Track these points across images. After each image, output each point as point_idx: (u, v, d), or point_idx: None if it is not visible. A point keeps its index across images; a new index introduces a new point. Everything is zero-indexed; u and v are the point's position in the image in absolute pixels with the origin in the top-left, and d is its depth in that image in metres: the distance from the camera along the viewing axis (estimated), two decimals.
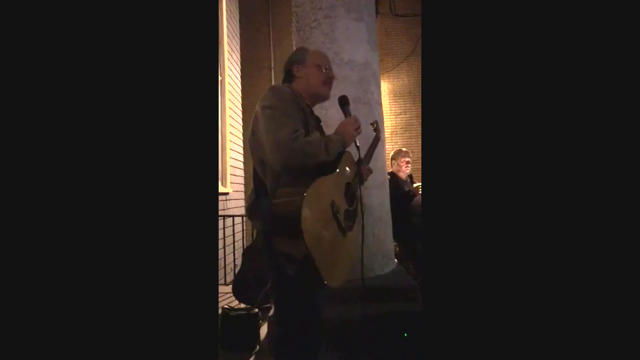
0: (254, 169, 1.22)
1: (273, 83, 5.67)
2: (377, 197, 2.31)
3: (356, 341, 1.85)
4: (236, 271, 3.13)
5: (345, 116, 1.31)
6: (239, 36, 5.57)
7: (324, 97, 1.34)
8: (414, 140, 6.47)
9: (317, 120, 1.32)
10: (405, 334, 1.84)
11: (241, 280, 2.79)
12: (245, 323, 2.24)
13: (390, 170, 3.13)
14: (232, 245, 3.99)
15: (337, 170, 1.17)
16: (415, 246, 2.92)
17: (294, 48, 2.12)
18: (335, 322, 1.76)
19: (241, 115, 5.32)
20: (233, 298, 2.75)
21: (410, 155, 3.35)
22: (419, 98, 6.47)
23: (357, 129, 1.25)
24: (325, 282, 1.06)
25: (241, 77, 5.51)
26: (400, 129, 6.59)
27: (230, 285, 2.88)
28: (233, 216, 4.14)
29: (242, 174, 5.23)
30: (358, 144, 1.27)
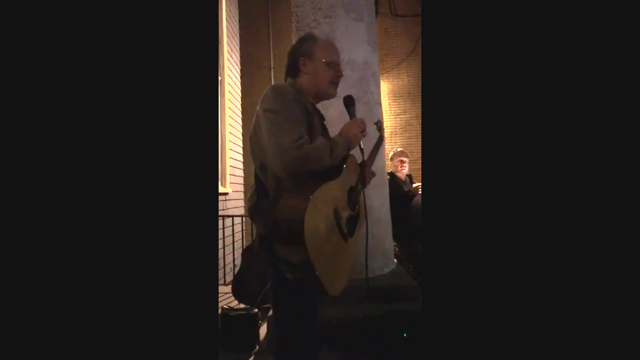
0: (255, 170, 1.19)
1: (273, 83, 5.66)
2: (376, 198, 2.31)
3: (356, 341, 1.84)
4: (236, 271, 3.13)
5: (351, 117, 1.26)
6: (238, 36, 5.57)
7: (329, 97, 1.28)
8: (413, 140, 6.47)
9: (321, 118, 1.28)
10: (405, 334, 1.84)
11: (241, 280, 2.79)
12: (244, 323, 2.24)
13: (389, 171, 3.14)
14: (231, 245, 3.99)
15: (341, 175, 1.14)
16: (414, 246, 2.92)
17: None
18: (335, 322, 1.76)
19: (241, 116, 5.32)
20: (232, 298, 2.75)
21: (407, 155, 3.35)
22: (419, 98, 6.48)
23: (363, 131, 1.21)
24: (327, 289, 1.04)
25: (241, 77, 5.51)
26: (399, 129, 6.59)
27: (230, 286, 2.88)
28: (232, 216, 4.14)
29: (242, 174, 5.23)
30: (362, 146, 1.23)
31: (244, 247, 3.84)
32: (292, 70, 1.25)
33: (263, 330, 2.30)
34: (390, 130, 6.49)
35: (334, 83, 1.25)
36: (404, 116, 6.61)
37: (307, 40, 1.27)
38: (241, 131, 5.24)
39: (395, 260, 2.57)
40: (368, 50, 2.40)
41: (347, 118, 1.27)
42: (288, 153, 1.03)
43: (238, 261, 3.32)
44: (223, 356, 2.07)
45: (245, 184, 5.25)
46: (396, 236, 2.62)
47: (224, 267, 3.84)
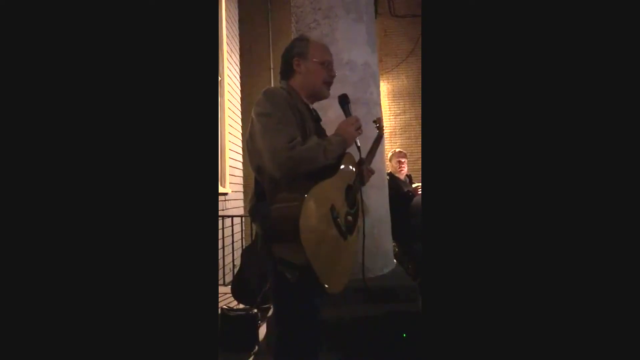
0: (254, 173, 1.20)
1: (272, 84, 5.67)
2: (376, 198, 2.31)
3: (355, 341, 1.85)
4: (235, 271, 3.13)
5: (346, 115, 1.27)
6: (238, 36, 5.57)
7: (323, 97, 1.29)
8: (413, 140, 6.47)
9: (317, 119, 1.29)
10: (404, 334, 1.84)
11: (240, 280, 2.79)
12: (244, 323, 2.24)
13: (389, 171, 3.14)
14: (231, 245, 3.99)
15: (337, 173, 1.15)
16: (414, 246, 2.92)
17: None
18: (334, 323, 1.76)
19: (240, 116, 5.32)
20: (232, 298, 2.75)
21: (405, 155, 3.35)
22: (418, 99, 6.48)
23: (358, 129, 1.22)
24: (327, 288, 1.05)
25: (240, 77, 5.51)
26: (399, 129, 6.60)
27: (229, 286, 2.88)
28: (232, 216, 4.14)
29: (241, 175, 5.23)
30: (359, 144, 1.24)
31: (244, 247, 3.83)
32: (286, 71, 1.27)
33: (262, 331, 2.30)
34: (389, 131, 6.50)
35: (327, 83, 1.27)
36: (403, 116, 6.62)
37: (301, 41, 1.30)
38: (240, 132, 5.23)
39: (395, 260, 2.57)
40: (367, 50, 2.41)
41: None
42: (281, 154, 1.04)
43: (237, 261, 3.32)
44: (222, 356, 2.07)
45: (245, 185, 5.25)
46: (396, 236, 2.63)
47: (224, 267, 3.84)
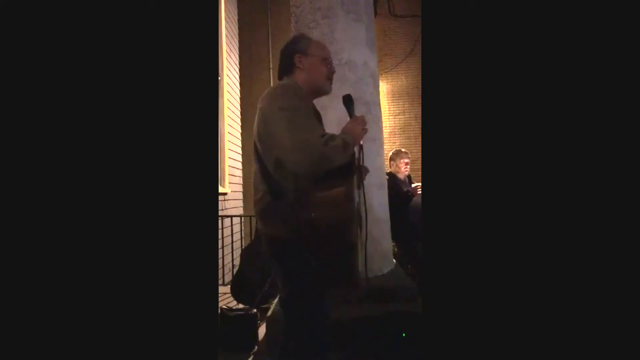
0: (260, 170, 1.17)
1: (272, 84, 5.66)
2: (375, 198, 2.31)
3: (354, 341, 1.84)
4: (234, 272, 3.13)
5: (350, 116, 1.27)
6: (237, 36, 5.56)
7: (325, 92, 1.29)
8: (412, 140, 6.47)
9: (320, 116, 1.28)
10: (404, 334, 1.84)
11: (239, 280, 2.79)
12: (243, 323, 2.24)
13: (388, 171, 3.14)
14: (230, 245, 3.98)
15: (355, 171, 1.16)
16: (413, 246, 2.92)
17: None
18: (334, 323, 1.76)
19: (240, 116, 5.31)
20: (231, 298, 2.75)
21: (409, 155, 3.36)
22: (418, 99, 6.48)
23: (364, 129, 1.22)
24: (355, 284, 1.07)
25: (240, 77, 5.50)
26: (398, 129, 6.59)
27: (229, 286, 2.88)
28: (231, 216, 4.14)
29: (241, 175, 5.23)
30: (361, 143, 1.24)
31: (243, 247, 3.83)
32: (288, 67, 1.26)
33: (262, 331, 2.30)
34: (389, 131, 6.50)
35: (329, 78, 1.28)
36: (402, 116, 6.62)
37: (301, 38, 1.31)
38: (240, 132, 5.23)
39: (394, 260, 2.57)
40: (367, 50, 2.40)
41: (345, 120, 1.27)
42: (314, 149, 1.03)
43: (236, 261, 3.32)
44: (222, 356, 2.06)
45: (244, 185, 5.25)
46: (395, 236, 2.62)
47: (223, 267, 3.83)
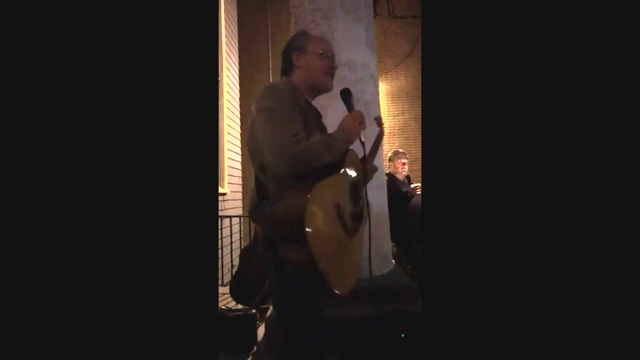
0: (255, 172, 1.17)
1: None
2: (375, 198, 2.31)
3: (354, 342, 1.84)
4: (234, 272, 3.12)
5: (349, 110, 1.23)
6: (237, 37, 5.56)
7: (325, 89, 1.26)
8: (411, 141, 6.47)
9: (318, 115, 1.26)
10: (403, 335, 1.84)
11: (238, 281, 2.78)
12: (242, 324, 2.24)
13: (388, 172, 3.14)
14: (229, 246, 3.98)
15: (342, 170, 1.11)
16: (413, 247, 2.92)
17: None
18: (333, 323, 1.76)
19: (239, 116, 5.31)
20: (230, 299, 2.74)
21: (407, 156, 3.36)
22: (417, 99, 6.48)
23: (362, 124, 1.18)
24: (334, 289, 1.01)
25: (239, 78, 5.51)
26: (398, 130, 6.60)
27: (228, 286, 2.87)
28: (230, 217, 4.13)
29: (240, 175, 5.23)
30: (363, 140, 1.20)
31: (242, 247, 3.83)
32: (287, 67, 1.25)
33: (261, 331, 2.29)
34: (388, 131, 6.50)
35: (329, 74, 1.24)
36: (402, 117, 6.62)
37: (299, 35, 1.28)
38: (239, 132, 5.23)
39: (394, 261, 2.57)
40: (366, 51, 2.41)
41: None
42: (285, 150, 1.01)
43: (236, 262, 3.31)
44: (221, 357, 2.06)
45: (244, 185, 5.24)
46: (394, 237, 2.63)
47: (222, 267, 3.83)
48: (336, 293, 1.03)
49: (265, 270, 1.17)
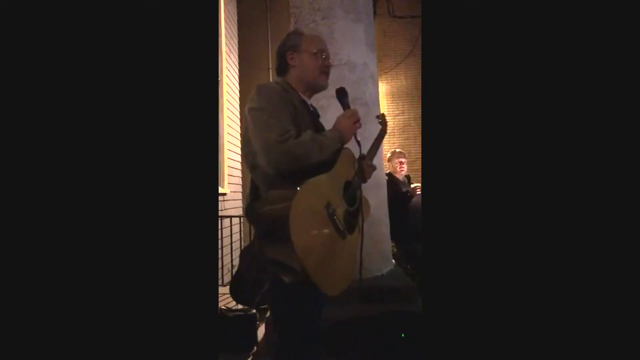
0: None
1: None
2: (375, 198, 2.31)
3: (353, 342, 1.84)
4: (234, 272, 3.12)
5: (344, 109, 1.23)
6: (237, 37, 5.57)
7: (321, 88, 1.25)
8: (411, 141, 6.47)
9: (314, 114, 1.25)
10: (403, 335, 1.84)
11: (238, 281, 2.78)
12: (242, 324, 2.24)
13: (387, 171, 3.14)
14: (229, 246, 3.98)
15: (333, 168, 1.10)
16: (412, 247, 2.92)
17: None
18: (332, 323, 1.76)
19: (239, 117, 5.32)
20: (230, 299, 2.75)
21: (405, 155, 3.36)
22: (417, 99, 6.48)
23: (356, 122, 1.17)
24: (323, 291, 1.00)
25: (239, 78, 5.51)
26: (397, 129, 6.60)
27: (228, 286, 2.88)
28: (230, 217, 4.14)
29: (240, 175, 5.23)
30: (359, 139, 1.19)
31: (242, 247, 3.83)
32: (281, 66, 1.24)
33: (261, 331, 2.29)
34: (388, 131, 6.48)
35: (324, 73, 1.23)
36: (402, 117, 6.62)
37: (293, 34, 1.27)
38: (239, 132, 5.24)
39: (394, 260, 2.57)
40: (366, 51, 2.41)
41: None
42: (273, 149, 1.01)
43: (236, 262, 3.31)
44: (221, 357, 2.06)
45: (243, 185, 5.25)
46: (394, 237, 2.63)
47: (222, 267, 3.83)
48: (325, 294, 1.02)
49: (264, 271, 1.16)
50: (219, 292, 3.02)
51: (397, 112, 6.64)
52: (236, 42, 5.53)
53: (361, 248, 1.21)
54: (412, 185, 3.26)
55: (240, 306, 2.59)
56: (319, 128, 1.24)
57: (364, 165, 1.24)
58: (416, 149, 6.15)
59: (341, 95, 1.26)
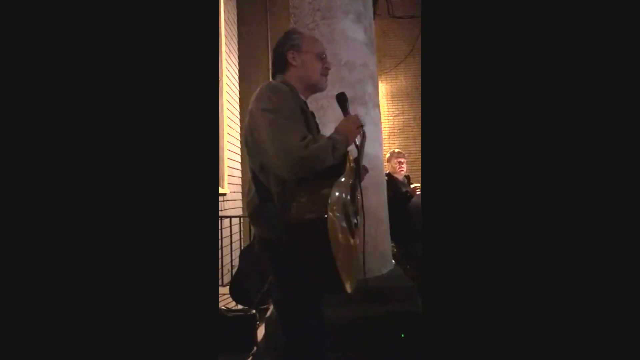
0: (253, 172, 1.17)
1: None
2: (374, 198, 2.31)
3: (353, 342, 1.84)
4: (233, 272, 3.12)
5: (345, 114, 1.25)
6: (236, 37, 5.57)
7: (320, 89, 1.26)
8: (411, 141, 6.48)
9: (313, 115, 1.26)
10: (403, 335, 1.84)
11: (238, 281, 2.78)
12: (242, 324, 2.24)
13: (387, 172, 3.14)
14: (229, 246, 3.98)
15: (345, 171, 1.12)
16: (412, 247, 2.92)
17: None
18: (332, 323, 1.76)
19: (239, 117, 5.32)
20: (230, 299, 2.74)
21: (405, 155, 3.36)
22: (417, 99, 6.48)
23: (359, 127, 1.19)
24: (345, 289, 1.02)
25: (239, 78, 5.51)
26: (397, 130, 6.60)
27: (228, 286, 2.87)
28: (230, 217, 4.13)
29: (240, 175, 5.23)
30: (358, 143, 1.22)
31: (242, 248, 3.83)
32: (281, 65, 1.23)
33: (261, 331, 2.29)
34: (388, 131, 6.50)
35: (324, 75, 1.24)
36: (401, 117, 6.62)
37: (293, 34, 1.26)
38: (239, 132, 5.23)
39: (393, 261, 2.57)
40: (366, 51, 2.41)
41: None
42: (294, 153, 1.00)
43: (235, 262, 3.31)
44: (220, 357, 2.06)
45: (243, 185, 5.24)
46: (394, 237, 2.62)
47: (222, 268, 3.83)
48: (346, 292, 1.04)
49: (265, 270, 1.17)
50: (219, 292, 3.01)
51: (397, 112, 6.64)
52: (236, 42, 5.53)
53: (363, 247, 1.23)
54: (412, 185, 3.26)
55: (240, 306, 2.59)
56: (318, 129, 1.26)
57: (360, 168, 1.27)
58: (416, 149, 6.15)
59: (342, 100, 1.27)
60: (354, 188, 1.22)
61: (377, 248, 2.29)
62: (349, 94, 1.32)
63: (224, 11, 4.84)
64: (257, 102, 1.10)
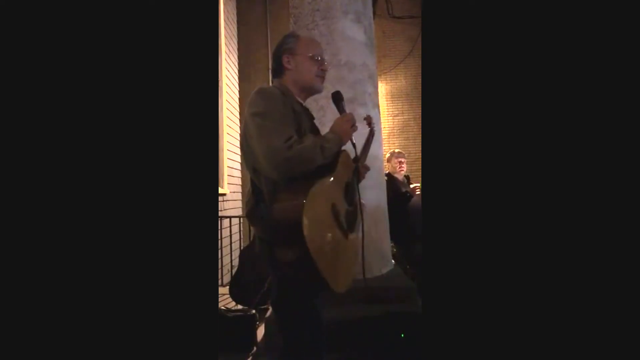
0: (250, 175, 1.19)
1: (270, 85, 5.64)
2: (374, 198, 2.31)
3: (353, 342, 1.84)
4: (233, 272, 3.12)
5: (340, 113, 1.26)
6: (236, 37, 5.57)
7: (316, 91, 1.28)
8: (411, 141, 6.48)
9: (311, 117, 1.27)
10: (403, 334, 1.84)
11: (238, 281, 2.78)
12: (242, 324, 2.24)
13: (387, 172, 3.14)
14: (229, 246, 3.98)
15: (335, 171, 1.14)
16: (412, 247, 2.92)
17: None
18: (332, 323, 1.76)
19: (238, 117, 5.32)
20: (230, 299, 2.75)
21: (404, 155, 3.36)
22: (417, 99, 6.48)
23: (353, 126, 1.20)
24: (331, 288, 1.03)
25: (239, 78, 5.51)
26: (397, 130, 6.60)
27: (227, 287, 2.87)
28: (230, 217, 4.13)
29: (239, 175, 5.23)
30: (354, 141, 1.23)
31: (242, 248, 3.83)
32: (277, 69, 1.26)
33: (261, 331, 2.29)
34: (388, 132, 6.50)
35: (320, 76, 1.25)
36: (401, 117, 6.62)
37: (289, 37, 1.28)
38: (239, 132, 5.23)
39: (393, 261, 2.57)
40: (366, 51, 2.41)
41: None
42: (278, 155, 1.02)
43: (235, 262, 3.31)
44: (220, 357, 2.06)
45: (243, 185, 5.25)
46: (394, 237, 2.63)
47: (222, 268, 3.83)
48: (334, 291, 1.05)
49: (265, 270, 1.17)
50: (219, 292, 3.01)
51: (397, 112, 6.64)
52: (236, 42, 5.53)
53: (363, 247, 1.24)
54: (412, 185, 3.26)
55: (240, 306, 2.59)
56: (314, 130, 1.26)
57: (359, 167, 1.28)
58: (416, 149, 6.15)
59: (337, 99, 1.28)
60: (351, 187, 1.22)
61: (377, 248, 2.29)
62: (348, 94, 1.32)
63: (224, 11, 4.84)
64: (249, 107, 1.13)
